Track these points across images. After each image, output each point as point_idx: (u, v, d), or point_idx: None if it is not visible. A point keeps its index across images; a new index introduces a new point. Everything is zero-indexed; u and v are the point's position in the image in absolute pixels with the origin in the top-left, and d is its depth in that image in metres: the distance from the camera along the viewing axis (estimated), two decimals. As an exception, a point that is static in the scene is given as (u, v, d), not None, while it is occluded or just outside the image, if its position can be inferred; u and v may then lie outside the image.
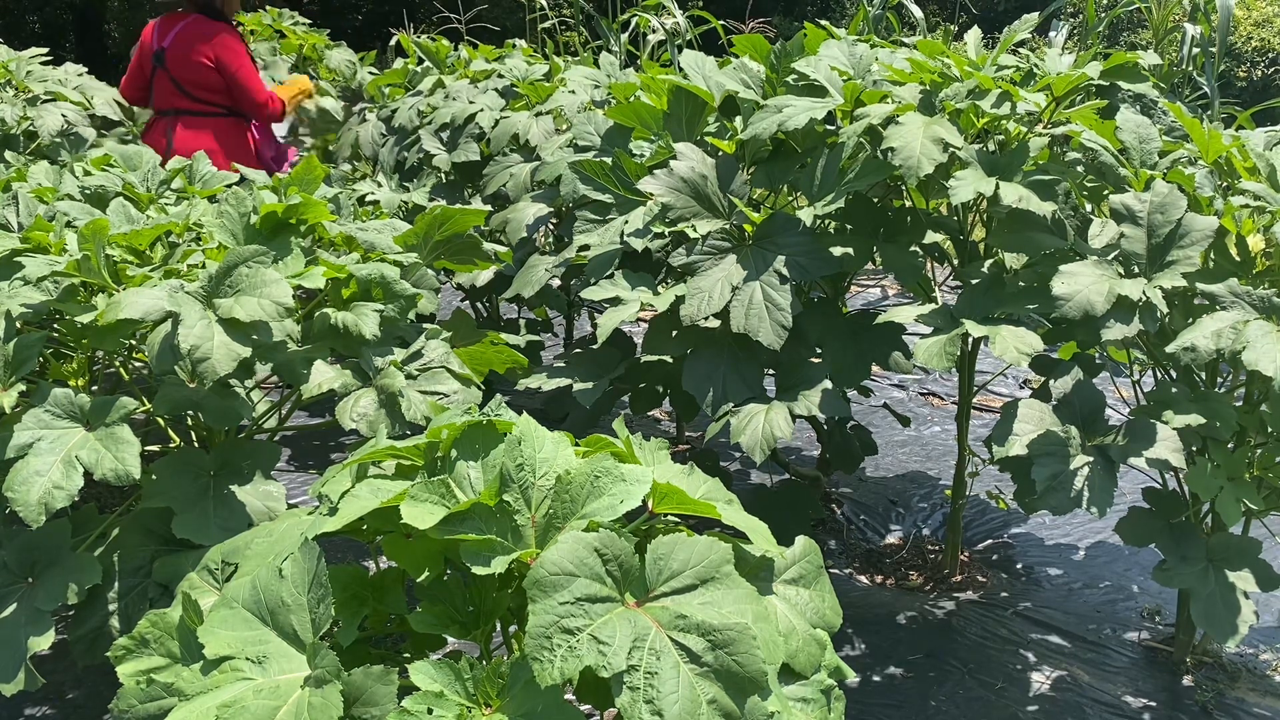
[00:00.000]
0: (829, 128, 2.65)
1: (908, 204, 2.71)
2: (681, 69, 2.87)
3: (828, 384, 2.41)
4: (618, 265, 2.58)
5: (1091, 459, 2.16)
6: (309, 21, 5.70)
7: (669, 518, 1.49)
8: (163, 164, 2.83)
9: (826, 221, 2.72)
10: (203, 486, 2.04)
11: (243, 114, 4.12)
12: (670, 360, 2.58)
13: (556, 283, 3.67)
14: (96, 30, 14.10)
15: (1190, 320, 2.19)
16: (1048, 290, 2.15)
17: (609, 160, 2.67)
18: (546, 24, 8.53)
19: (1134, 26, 11.47)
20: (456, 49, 4.78)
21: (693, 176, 2.49)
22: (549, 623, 1.18)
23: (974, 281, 2.44)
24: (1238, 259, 2.33)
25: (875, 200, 2.70)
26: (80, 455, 1.86)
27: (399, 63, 4.88)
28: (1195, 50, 6.82)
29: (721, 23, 7.98)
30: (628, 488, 1.33)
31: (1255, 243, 2.34)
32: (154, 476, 2.04)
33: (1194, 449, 2.34)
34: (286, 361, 2.07)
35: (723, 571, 1.29)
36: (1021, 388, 4.72)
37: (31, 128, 3.91)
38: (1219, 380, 2.49)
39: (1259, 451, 2.36)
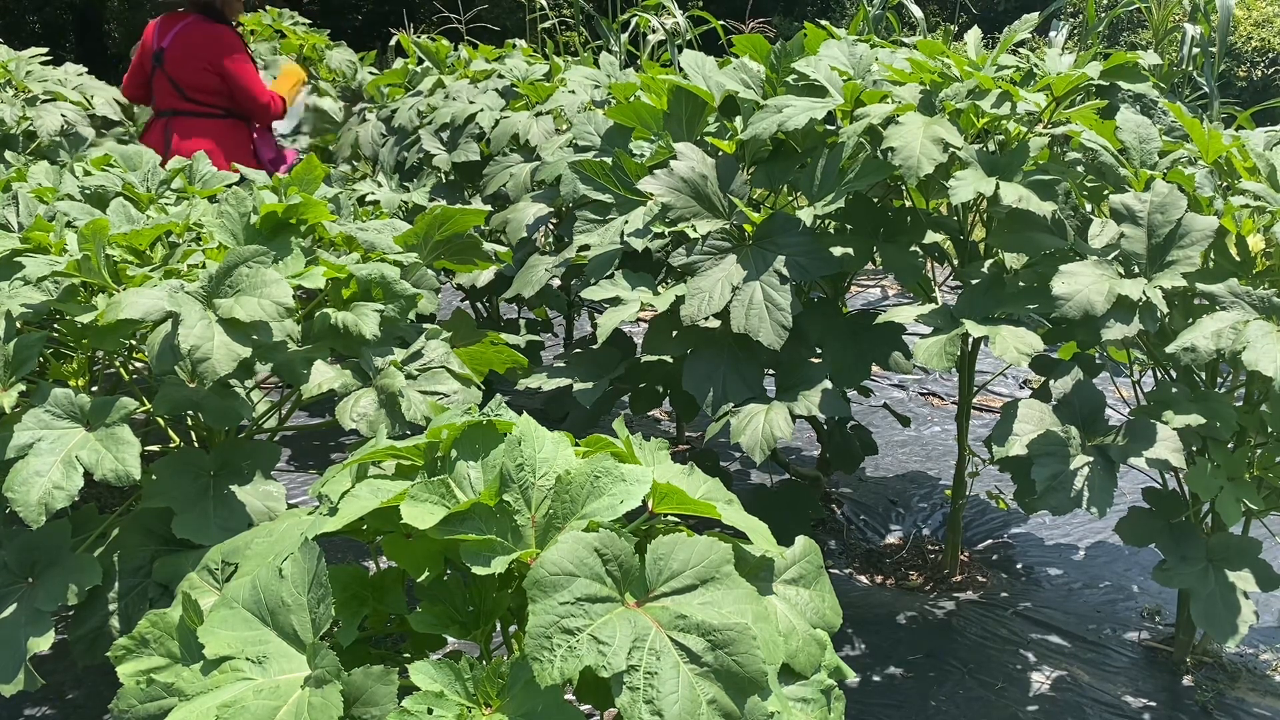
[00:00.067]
0: (829, 128, 2.65)
1: (908, 204, 2.71)
2: (681, 69, 2.87)
3: (828, 384, 2.41)
4: (618, 265, 2.58)
5: (1091, 459, 2.16)
6: (309, 21, 5.70)
7: (669, 518, 1.49)
8: (162, 164, 2.83)
9: (826, 221, 2.72)
10: (203, 486, 2.04)
11: (241, 115, 4.11)
12: (670, 360, 2.58)
13: (556, 283, 3.67)
14: (96, 30, 14.10)
15: (1190, 320, 2.19)
16: (1048, 290, 2.15)
17: (609, 160, 2.67)
18: (546, 24, 8.54)
19: (1134, 26, 11.48)
20: (456, 49, 4.78)
21: (693, 176, 2.49)
22: (549, 623, 1.18)
23: (974, 281, 2.44)
24: (1238, 259, 2.33)
25: (875, 200, 2.70)
26: (80, 455, 1.86)
27: (399, 63, 4.88)
28: (1195, 50, 6.82)
29: (721, 23, 7.98)
30: (628, 488, 1.33)
31: (1255, 243, 2.34)
32: (154, 476, 2.04)
33: (1194, 449, 2.34)
34: (286, 361, 2.07)
35: (723, 571, 1.29)
36: (1021, 388, 4.72)
37: (31, 128, 3.91)
38: (1219, 380, 2.49)
39: (1259, 451, 2.36)
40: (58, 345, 2.25)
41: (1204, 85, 6.78)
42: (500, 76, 4.10)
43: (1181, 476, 2.45)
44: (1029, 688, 2.63)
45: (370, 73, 5.31)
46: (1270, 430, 2.31)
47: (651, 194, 2.50)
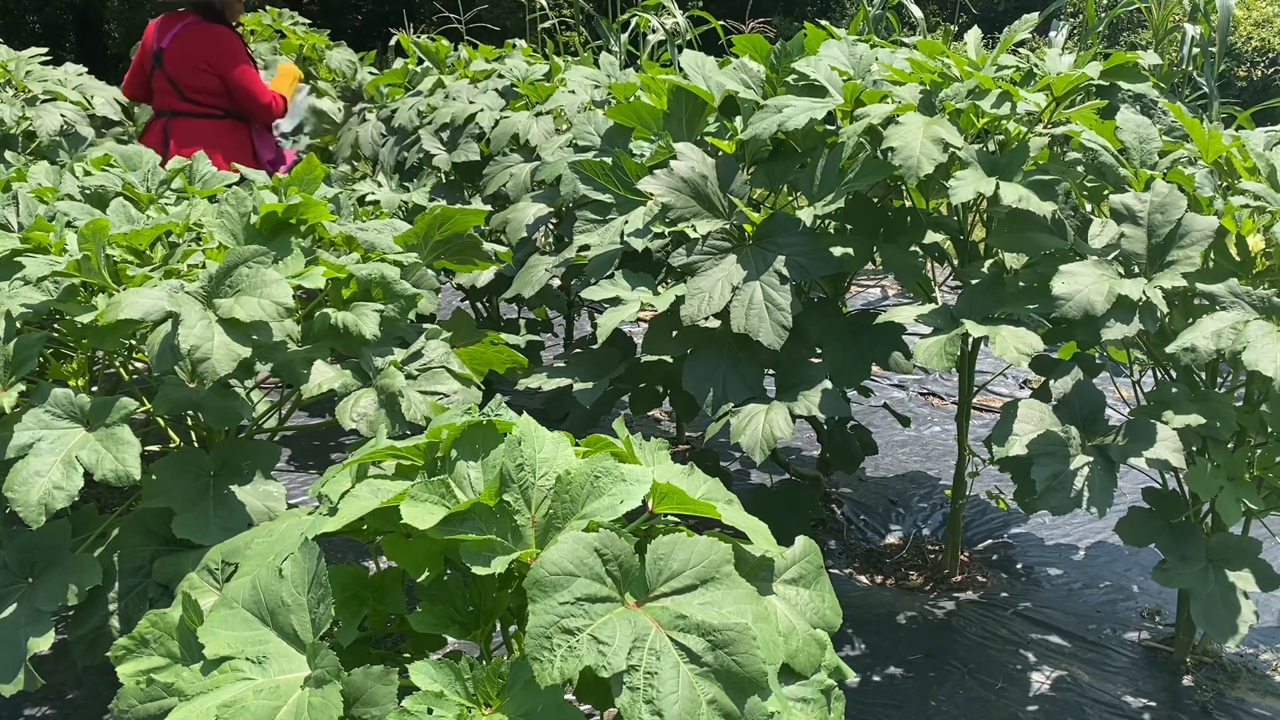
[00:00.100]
0: (829, 128, 2.65)
1: (908, 204, 2.71)
2: (681, 69, 2.87)
3: (828, 384, 2.41)
4: (618, 265, 2.58)
5: (1091, 459, 2.16)
6: (309, 21, 5.71)
7: (669, 518, 1.49)
8: (161, 165, 2.83)
9: (826, 221, 2.72)
10: (203, 486, 2.04)
11: (239, 116, 4.11)
12: (670, 360, 2.58)
13: (556, 283, 3.67)
14: (96, 30, 14.10)
15: (1190, 320, 2.19)
16: (1048, 290, 2.15)
17: (609, 160, 2.67)
18: (546, 24, 8.54)
19: (1134, 26, 11.48)
20: (456, 49, 4.78)
21: (693, 176, 2.49)
22: (549, 623, 1.18)
23: (974, 281, 2.44)
24: (1238, 259, 2.33)
25: (875, 200, 2.70)
26: (80, 456, 1.86)
27: (399, 63, 4.88)
28: (1195, 50, 6.82)
29: (721, 23, 7.98)
30: (628, 488, 1.33)
31: (1255, 243, 2.34)
32: (154, 476, 2.04)
33: (1194, 449, 2.34)
34: (286, 361, 2.07)
35: (723, 571, 1.29)
36: (1021, 388, 4.72)
37: (31, 128, 3.91)
38: (1219, 380, 2.49)
39: (1259, 451, 2.36)
40: (58, 345, 2.25)
41: (1204, 85, 6.78)
42: (500, 76, 4.10)
43: (1181, 476, 2.45)
44: (1029, 688, 2.63)
45: (370, 73, 5.31)
46: (1270, 430, 2.31)
47: (651, 194, 2.50)
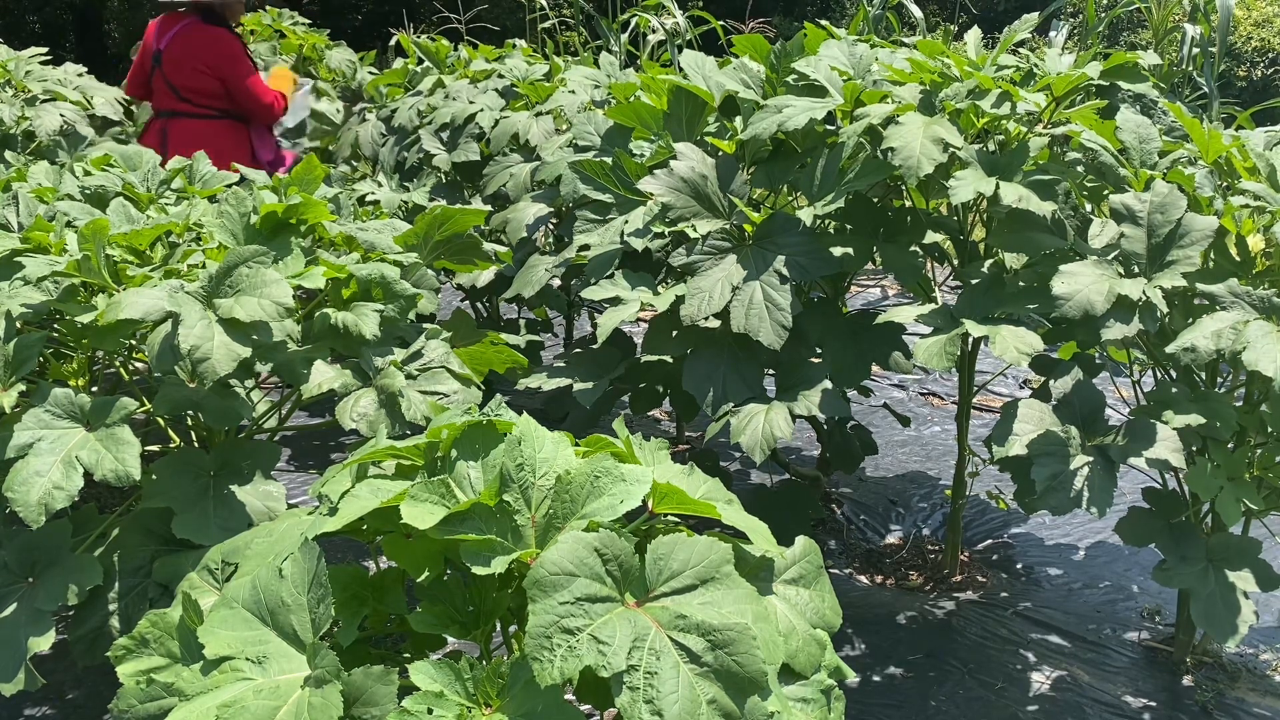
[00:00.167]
0: (829, 128, 2.65)
1: (908, 204, 2.71)
2: (681, 69, 2.87)
3: (828, 384, 2.41)
4: (618, 265, 2.58)
5: (1091, 459, 2.16)
6: (309, 21, 5.70)
7: (669, 518, 1.49)
8: (161, 165, 2.83)
9: (826, 221, 2.72)
10: (203, 486, 2.04)
11: (238, 117, 4.10)
12: (670, 360, 2.58)
13: (556, 283, 3.67)
14: (96, 30, 14.09)
15: (1190, 320, 2.19)
16: (1048, 290, 2.15)
17: (609, 160, 2.67)
18: (546, 24, 8.54)
19: (1134, 26, 11.48)
20: (456, 49, 4.78)
21: (693, 176, 2.49)
22: (549, 623, 1.18)
23: (974, 281, 2.44)
24: (1238, 259, 2.33)
25: (875, 200, 2.70)
26: (80, 456, 1.86)
27: (399, 63, 4.88)
28: (1195, 50, 6.82)
29: (721, 23, 7.98)
30: (628, 488, 1.33)
31: (1255, 243, 2.34)
32: (154, 476, 2.04)
33: (1194, 449, 2.34)
34: (286, 361, 2.07)
35: (723, 571, 1.29)
36: (1021, 388, 4.72)
37: (30, 128, 3.91)
38: (1219, 380, 2.49)
39: (1259, 451, 2.36)
40: (58, 345, 2.25)
41: (1204, 85, 6.78)
42: (500, 76, 4.10)
43: (1181, 476, 2.45)
44: (1029, 688, 2.63)
45: (370, 73, 5.31)
46: (1270, 430, 2.31)
47: (651, 194, 2.50)
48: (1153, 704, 2.56)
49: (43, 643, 1.88)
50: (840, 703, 1.43)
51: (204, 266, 2.10)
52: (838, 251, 2.50)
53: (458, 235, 2.66)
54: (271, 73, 4.37)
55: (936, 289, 2.73)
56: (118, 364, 2.32)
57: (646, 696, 1.16)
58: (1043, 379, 2.64)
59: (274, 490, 2.07)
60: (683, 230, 2.46)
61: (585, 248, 2.68)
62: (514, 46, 4.94)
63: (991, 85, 2.45)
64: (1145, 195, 2.23)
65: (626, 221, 2.59)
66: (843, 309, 2.79)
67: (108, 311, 1.93)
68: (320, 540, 1.37)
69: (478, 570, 1.28)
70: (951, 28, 7.27)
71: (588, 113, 3.23)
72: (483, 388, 2.35)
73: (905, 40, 3.25)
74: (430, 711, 1.20)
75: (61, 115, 4.02)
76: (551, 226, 3.40)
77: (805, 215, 2.44)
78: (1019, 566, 3.22)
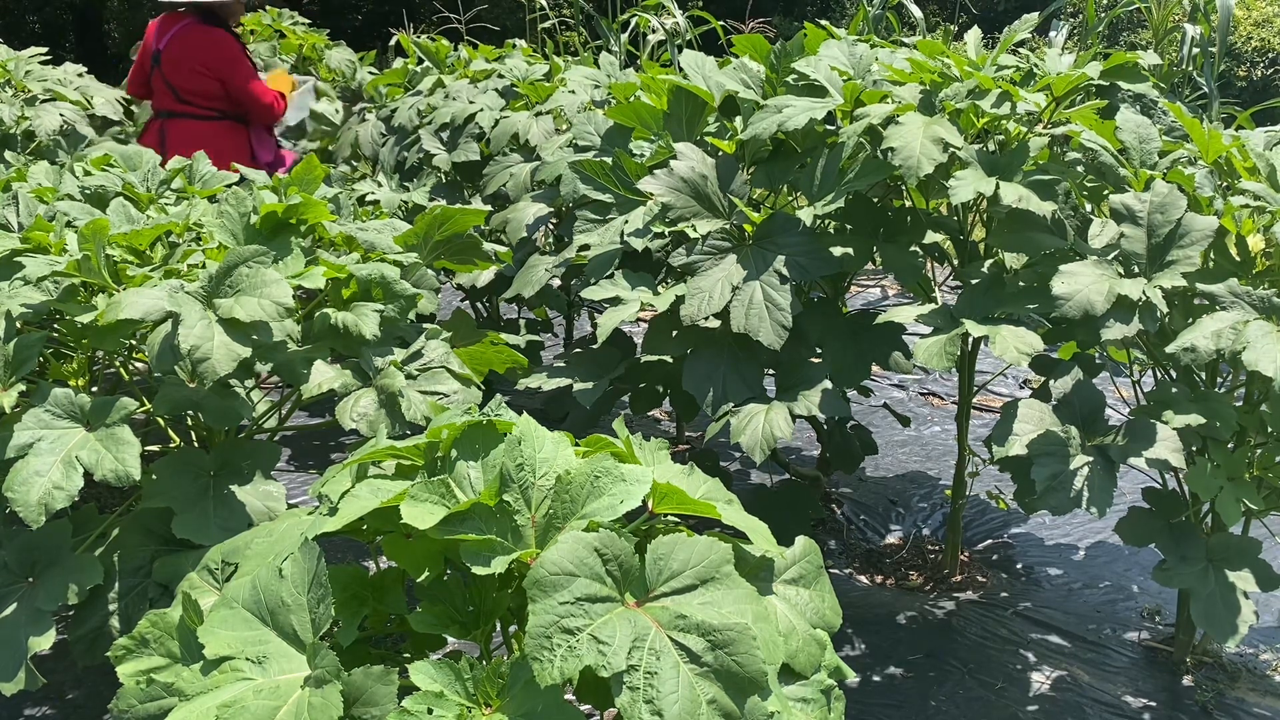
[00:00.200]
0: (829, 128, 2.65)
1: (908, 204, 2.71)
2: (681, 69, 2.87)
3: (828, 384, 2.41)
4: (618, 265, 2.58)
5: (1091, 459, 2.16)
6: (309, 21, 5.70)
7: (669, 518, 1.49)
8: (160, 165, 2.83)
9: (826, 221, 2.72)
10: (203, 486, 2.04)
11: (236, 117, 4.09)
12: (670, 360, 2.58)
13: (556, 283, 3.67)
14: (96, 30, 14.09)
15: (1190, 320, 2.19)
16: (1048, 290, 2.15)
17: (609, 160, 2.67)
18: (546, 24, 8.54)
19: (1134, 26, 11.48)
20: (456, 49, 4.78)
21: (693, 176, 2.49)
22: (549, 623, 1.18)
23: (974, 281, 2.44)
24: (1238, 259, 2.33)
25: (875, 200, 2.70)
26: (80, 456, 1.86)
27: (399, 63, 4.88)
28: (1195, 50, 6.82)
29: (721, 23, 7.98)
30: (628, 488, 1.33)
31: (1255, 243, 2.34)
32: (154, 476, 2.04)
33: (1194, 449, 2.34)
34: (286, 361, 2.07)
35: (723, 571, 1.29)
36: (1021, 388, 4.72)
37: (30, 127, 3.91)
38: (1219, 380, 2.49)
39: (1259, 451, 2.36)
40: (58, 345, 2.25)
41: (1204, 85, 6.78)
42: (500, 76, 4.10)
43: (1181, 476, 2.45)
44: (1029, 688, 2.63)
45: (370, 72, 5.31)
46: (1270, 430, 2.31)
47: (651, 194, 2.50)
48: (1153, 704, 2.56)
49: (43, 642, 1.88)
50: (840, 703, 1.43)
51: (204, 266, 2.10)
52: (838, 251, 2.50)
53: (458, 235, 2.66)
54: (270, 75, 4.36)
55: (936, 289, 2.73)
56: (118, 364, 2.32)
57: (646, 696, 1.16)
58: (1043, 379, 2.64)
59: (274, 490, 2.07)
60: (683, 230, 2.46)
61: (585, 248, 2.68)
62: (514, 46, 4.94)
63: (991, 85, 2.45)
64: (1145, 195, 2.23)
65: (626, 221, 2.59)
66: (843, 309, 2.79)
67: (108, 311, 1.93)
68: (320, 540, 1.37)
69: (478, 570, 1.28)
70: (951, 28, 7.27)
71: (588, 113, 3.23)
72: (483, 388, 2.35)
73: (905, 40, 3.25)
74: (430, 711, 1.20)
75: (61, 115, 4.02)
76: (551, 226, 3.40)
77: (805, 215, 2.44)
78: (1019, 566, 3.22)
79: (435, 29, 9.80)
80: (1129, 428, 2.22)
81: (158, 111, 4.08)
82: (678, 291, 2.44)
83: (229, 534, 1.87)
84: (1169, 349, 2.11)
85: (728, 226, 2.49)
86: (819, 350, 2.60)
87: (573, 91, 3.69)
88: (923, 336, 2.29)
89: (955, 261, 2.70)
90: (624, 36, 8.04)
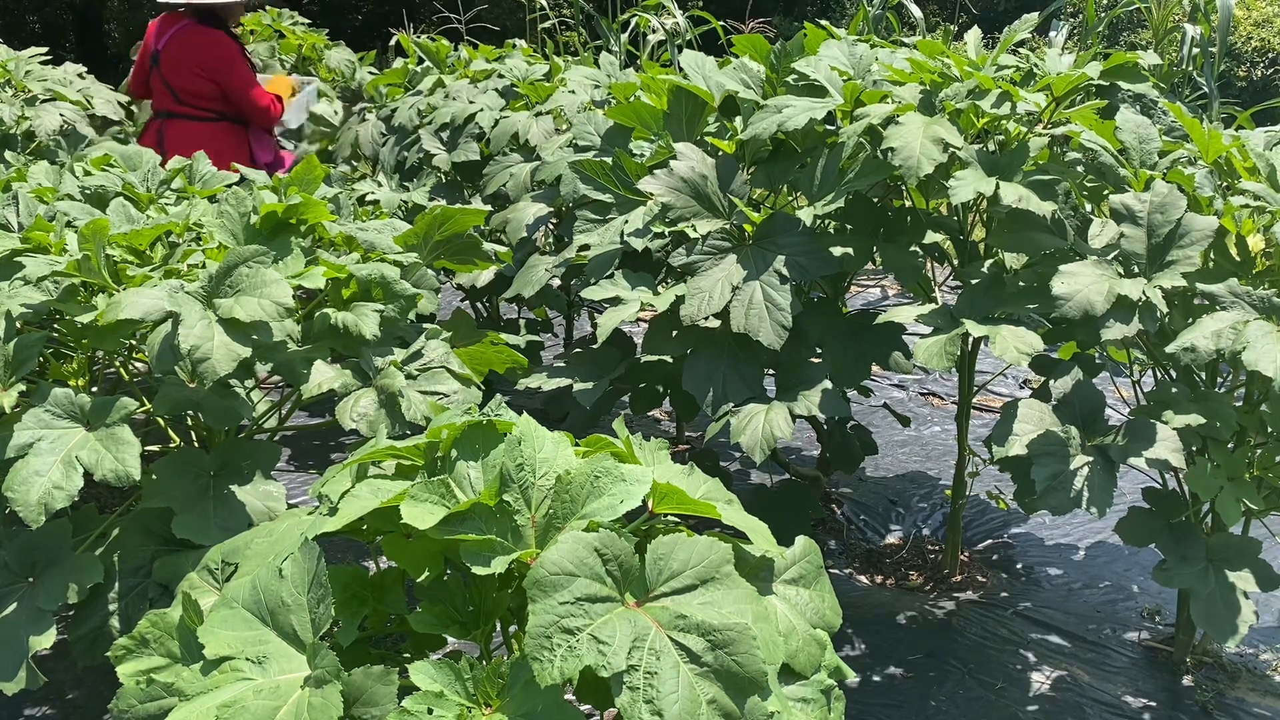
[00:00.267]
0: (829, 128, 2.65)
1: (908, 204, 2.71)
2: (681, 69, 2.87)
3: (828, 384, 2.41)
4: (618, 265, 2.58)
5: (1091, 459, 2.16)
6: (309, 21, 5.70)
7: (669, 518, 1.49)
8: (160, 165, 2.83)
9: (826, 221, 2.72)
10: (203, 486, 2.04)
11: (235, 119, 4.08)
12: (670, 360, 2.58)
13: (556, 283, 3.67)
14: (96, 30, 14.09)
15: (1190, 320, 2.19)
16: (1048, 290, 2.15)
17: (609, 160, 2.67)
18: (546, 24, 8.54)
19: (1134, 26, 11.48)
20: (456, 49, 4.78)
21: (693, 176, 2.49)
22: (549, 623, 1.18)
23: (974, 281, 2.44)
24: (1238, 259, 2.33)
25: (875, 200, 2.70)
26: (80, 455, 1.86)
27: (399, 62, 4.88)
28: (1195, 50, 6.82)
29: (721, 23, 7.98)
30: (628, 488, 1.33)
31: (1255, 243, 2.34)
32: (154, 476, 2.04)
33: (1194, 449, 2.34)
34: (286, 361, 2.07)
35: (723, 571, 1.29)
36: (1021, 388, 4.72)
37: (31, 127, 3.91)
38: (1219, 380, 2.49)
39: (1259, 451, 2.36)
40: (58, 345, 2.25)
41: (1204, 85, 6.78)
42: (500, 76, 4.10)
43: (1181, 476, 2.45)
44: (1029, 688, 2.63)
45: (370, 73, 5.31)
46: (1270, 430, 2.31)
47: (651, 194, 2.50)
48: (1153, 704, 2.56)
49: (43, 641, 1.88)
50: (840, 703, 1.43)
51: (204, 266, 2.10)
52: (838, 251, 2.50)
53: (458, 235, 2.66)
54: (270, 80, 4.35)
55: (936, 289, 2.73)
56: (118, 364, 2.32)
57: (646, 696, 1.16)
58: (1043, 379, 2.64)
59: (274, 490, 2.07)
60: (683, 230, 2.46)
61: (585, 248, 2.68)
62: (514, 46, 4.94)
63: (991, 85, 2.45)
64: (1145, 195, 2.23)
65: (626, 221, 2.59)
66: (843, 309, 2.79)
67: (108, 311, 1.93)
68: (320, 540, 1.37)
69: (478, 570, 1.28)
70: (951, 28, 7.27)
71: (588, 113, 3.23)
72: (483, 388, 2.35)
73: (905, 40, 3.25)
74: (430, 711, 1.20)
75: (61, 115, 4.02)
76: (551, 226, 3.40)
77: (805, 215, 2.44)
78: (1019, 566, 3.22)
79: (435, 29, 9.80)
80: (1129, 428, 2.22)
81: (157, 112, 4.08)
82: (678, 291, 2.44)
83: (229, 534, 1.87)
84: (1169, 349, 2.11)
85: (728, 226, 2.49)
86: (819, 350, 2.60)
87: (573, 91, 3.69)
88: (923, 336, 2.29)
89: (955, 261, 2.70)
90: (624, 36, 8.04)
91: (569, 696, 1.26)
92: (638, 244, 2.53)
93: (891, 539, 3.41)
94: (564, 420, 3.22)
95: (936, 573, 3.16)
